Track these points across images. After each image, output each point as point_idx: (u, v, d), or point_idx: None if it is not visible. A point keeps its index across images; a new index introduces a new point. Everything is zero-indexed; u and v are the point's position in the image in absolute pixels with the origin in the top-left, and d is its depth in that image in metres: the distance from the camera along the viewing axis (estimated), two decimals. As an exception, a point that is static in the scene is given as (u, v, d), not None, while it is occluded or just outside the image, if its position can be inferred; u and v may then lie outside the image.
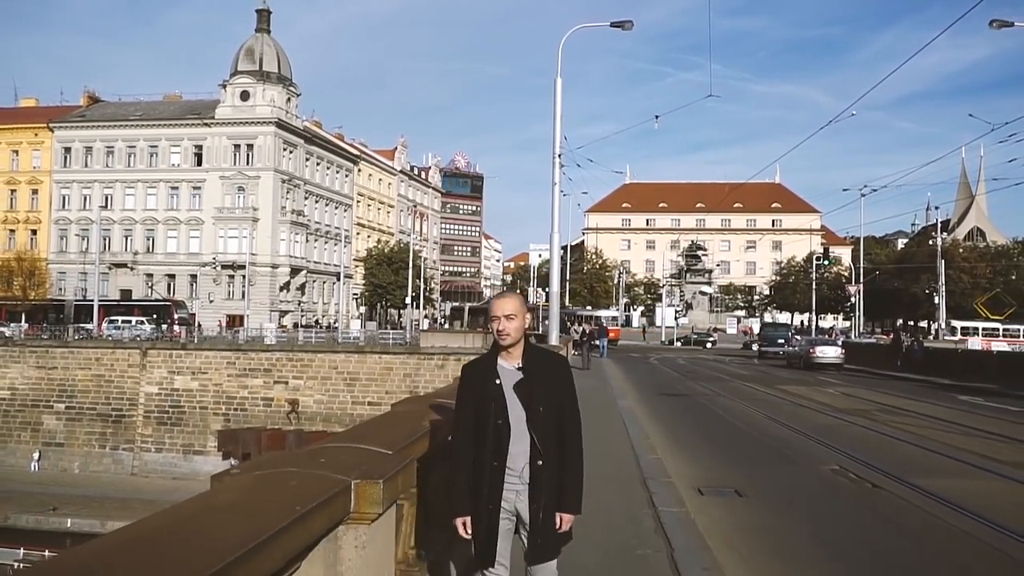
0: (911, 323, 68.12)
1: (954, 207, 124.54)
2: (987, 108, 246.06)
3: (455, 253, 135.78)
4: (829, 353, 40.66)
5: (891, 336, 47.81)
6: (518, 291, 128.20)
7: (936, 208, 58.13)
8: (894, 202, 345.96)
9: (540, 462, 3.72)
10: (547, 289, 59.43)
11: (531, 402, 3.74)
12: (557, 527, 3.76)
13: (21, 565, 30.72)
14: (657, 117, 29.53)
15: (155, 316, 58.15)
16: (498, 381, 3.77)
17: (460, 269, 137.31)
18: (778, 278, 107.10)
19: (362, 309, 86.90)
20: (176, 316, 59.56)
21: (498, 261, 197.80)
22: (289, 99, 78.23)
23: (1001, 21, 23.12)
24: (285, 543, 2.23)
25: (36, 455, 46.17)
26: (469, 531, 3.75)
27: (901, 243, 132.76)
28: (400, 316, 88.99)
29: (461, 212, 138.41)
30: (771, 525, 8.39)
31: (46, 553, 31.23)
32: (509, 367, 3.80)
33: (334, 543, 2.82)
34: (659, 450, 11.71)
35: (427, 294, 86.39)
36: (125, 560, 1.86)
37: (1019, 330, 62.89)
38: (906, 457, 12.17)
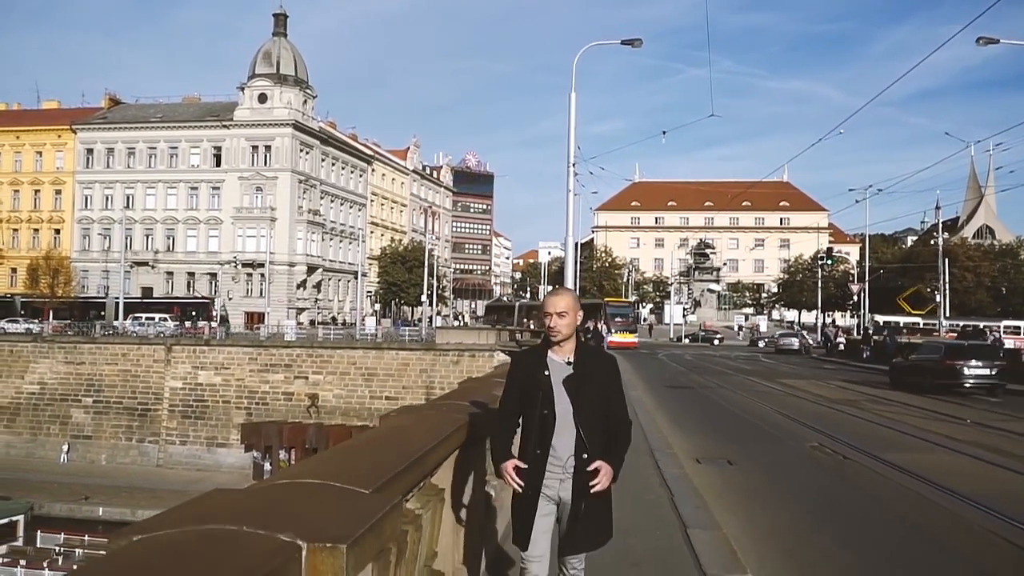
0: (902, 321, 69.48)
1: (963, 205, 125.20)
2: (1001, 105, 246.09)
3: (466, 251, 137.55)
4: (794, 343, 58.05)
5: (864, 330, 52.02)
6: (524, 293, 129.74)
7: (938, 208, 59.26)
8: (906, 199, 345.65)
9: (585, 455, 3.79)
10: (557, 287, 60.75)
11: (579, 396, 3.82)
12: (593, 467, 3.82)
13: (63, 550, 32.43)
14: (664, 133, 31.24)
15: (193, 313, 59.89)
16: (547, 372, 3.88)
17: (471, 267, 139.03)
18: (786, 276, 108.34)
19: (376, 307, 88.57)
20: (212, 313, 61.39)
21: (507, 259, 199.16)
22: (305, 101, 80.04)
23: (987, 38, 24.58)
24: (446, 446, 3.94)
25: (65, 447, 47.63)
26: (517, 478, 3.86)
27: (911, 240, 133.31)
28: (413, 313, 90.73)
29: (472, 211, 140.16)
30: (753, 484, 10.27)
31: (85, 538, 33.05)
32: (559, 360, 3.91)
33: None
34: (664, 430, 13.59)
35: (440, 292, 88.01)
36: (380, 446, 3.52)
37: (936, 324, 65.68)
38: (879, 437, 14.04)
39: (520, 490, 3.88)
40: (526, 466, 3.86)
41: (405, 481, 2.91)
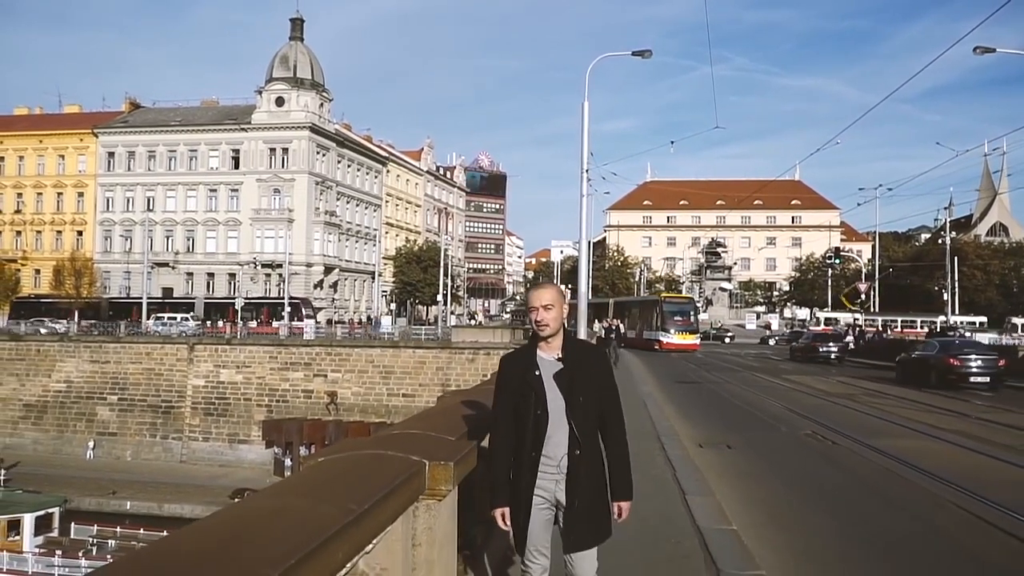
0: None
1: (976, 203, 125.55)
2: (1016, 103, 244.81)
3: (479, 251, 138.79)
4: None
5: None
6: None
7: (947, 208, 60.20)
8: (922, 196, 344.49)
9: (578, 451, 3.75)
10: (570, 286, 60.11)
11: (571, 392, 3.77)
12: (616, 516, 3.90)
13: (96, 540, 33.79)
14: (672, 143, 32.47)
15: (283, 314, 61.12)
16: (537, 372, 3.81)
17: (484, 266, 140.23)
18: (797, 275, 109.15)
19: (392, 306, 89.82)
20: (304, 313, 62.82)
21: (520, 258, 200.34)
22: (322, 104, 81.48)
23: (984, 48, 25.57)
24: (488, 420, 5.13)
25: (91, 444, 48.92)
26: (508, 522, 3.83)
27: (925, 238, 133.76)
28: (428, 312, 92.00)
29: (485, 210, 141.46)
30: (748, 464, 11.58)
31: (118, 530, 34.36)
32: (548, 358, 3.85)
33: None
34: (671, 420, 14.91)
35: (454, 291, 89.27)
36: (448, 414, 4.71)
37: (876, 320, 69.99)
38: (868, 425, 15.32)
39: (507, 528, 3.85)
40: (520, 476, 3.81)
41: (474, 435, 4.08)
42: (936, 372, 26.16)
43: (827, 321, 71.02)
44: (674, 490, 8.22)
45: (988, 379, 25.27)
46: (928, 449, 12.46)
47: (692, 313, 54.90)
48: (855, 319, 63.86)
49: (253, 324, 57.44)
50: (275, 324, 57.66)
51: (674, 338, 51.22)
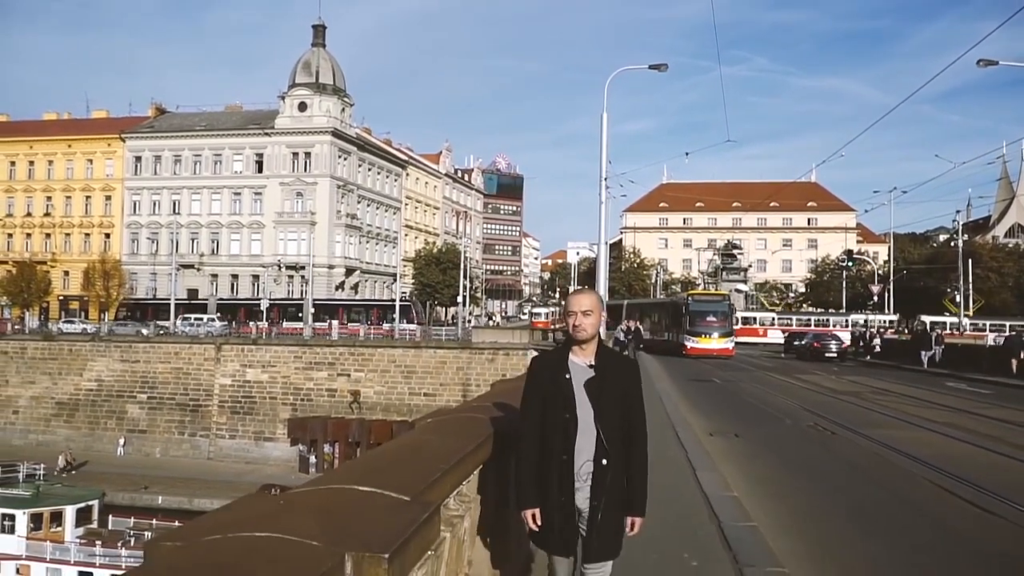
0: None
1: (994, 204, 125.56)
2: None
3: (496, 252, 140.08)
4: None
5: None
6: (553, 293, 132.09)
7: (959, 210, 61.18)
8: (941, 197, 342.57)
9: (604, 461, 3.72)
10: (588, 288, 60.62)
11: (600, 400, 3.75)
12: (628, 529, 3.83)
13: (133, 532, 35.27)
14: (687, 154, 33.64)
15: (393, 317, 62.30)
16: (568, 376, 3.80)
17: (501, 268, 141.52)
18: (813, 276, 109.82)
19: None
20: (415, 314, 64.30)
21: (536, 259, 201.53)
22: (343, 109, 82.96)
23: (987, 60, 26.59)
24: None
25: (122, 441, 50.42)
26: (539, 523, 3.80)
27: (943, 239, 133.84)
28: (447, 314, 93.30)
29: (502, 212, 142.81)
30: (753, 450, 12.93)
31: (153, 522, 35.83)
32: (581, 363, 3.84)
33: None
34: (684, 412, 16.22)
35: (472, 292, 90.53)
36: (508, 396, 5.97)
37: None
38: (867, 418, 16.60)
39: (537, 529, 3.83)
40: (551, 480, 3.78)
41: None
42: (809, 351, 44.82)
43: (745, 321, 72.94)
44: (686, 467, 9.50)
45: (836, 355, 43.24)
46: (918, 439, 13.69)
47: (726, 313, 46.93)
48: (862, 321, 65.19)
49: (364, 324, 58.16)
50: (385, 326, 58.76)
51: (702, 342, 44.47)
